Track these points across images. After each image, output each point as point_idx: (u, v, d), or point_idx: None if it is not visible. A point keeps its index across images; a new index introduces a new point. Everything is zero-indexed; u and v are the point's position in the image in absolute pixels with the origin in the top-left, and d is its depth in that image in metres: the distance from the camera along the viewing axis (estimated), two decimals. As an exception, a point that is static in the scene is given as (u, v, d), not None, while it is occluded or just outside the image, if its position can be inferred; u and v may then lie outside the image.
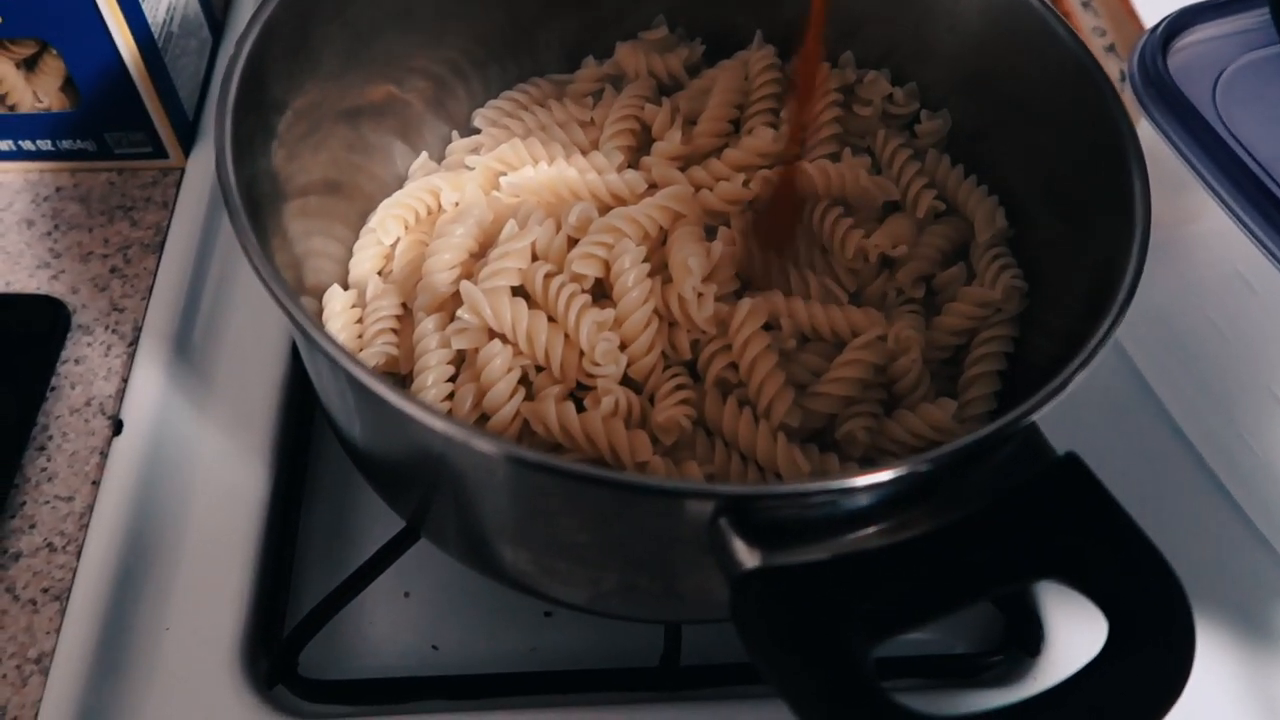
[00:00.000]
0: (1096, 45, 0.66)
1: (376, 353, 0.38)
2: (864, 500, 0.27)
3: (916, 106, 0.47)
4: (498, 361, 0.36)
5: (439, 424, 0.27)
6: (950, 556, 0.27)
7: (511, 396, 0.36)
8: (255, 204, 0.34)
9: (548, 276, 0.39)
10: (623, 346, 0.38)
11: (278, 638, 0.41)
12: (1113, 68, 0.64)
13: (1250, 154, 0.41)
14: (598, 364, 0.36)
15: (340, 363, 0.28)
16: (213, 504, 0.43)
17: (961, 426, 0.38)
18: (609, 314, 0.38)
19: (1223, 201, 0.40)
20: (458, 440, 0.27)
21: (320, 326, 0.29)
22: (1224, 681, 0.42)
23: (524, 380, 0.38)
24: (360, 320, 0.39)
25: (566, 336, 0.38)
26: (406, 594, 0.43)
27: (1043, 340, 0.40)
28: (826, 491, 0.27)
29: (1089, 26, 0.66)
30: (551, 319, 0.38)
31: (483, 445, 0.27)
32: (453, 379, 0.38)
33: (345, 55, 0.41)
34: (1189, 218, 0.46)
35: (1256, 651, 0.43)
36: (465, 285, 0.38)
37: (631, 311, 0.38)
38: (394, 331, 0.39)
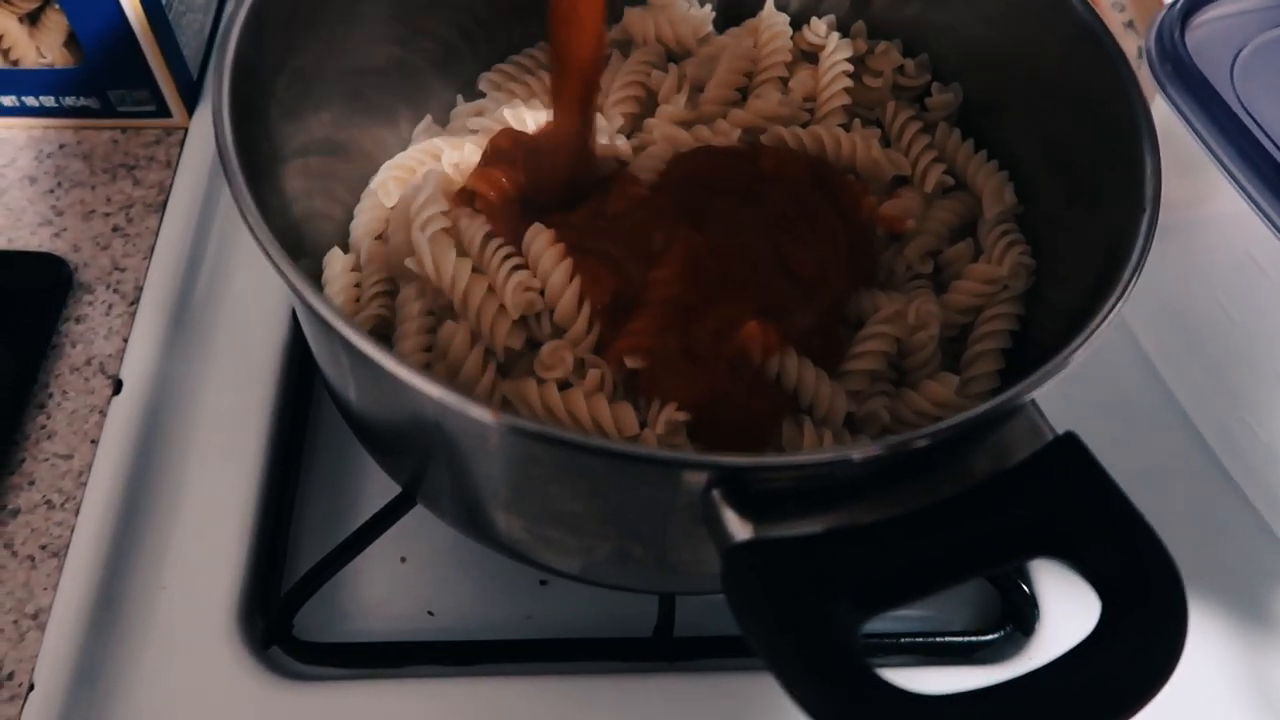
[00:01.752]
0: (1115, 21, 0.64)
1: (370, 316, 0.38)
2: (858, 474, 0.27)
3: (927, 79, 0.46)
4: (458, 339, 0.36)
5: (433, 390, 0.27)
6: (944, 532, 0.26)
7: (484, 372, 0.36)
8: (254, 165, 0.34)
9: (487, 238, 0.38)
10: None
11: (274, 599, 0.41)
12: (1132, 44, 0.63)
13: (1267, 134, 0.40)
14: (549, 366, 0.36)
15: (334, 325, 0.28)
16: (211, 464, 0.43)
17: (964, 403, 0.38)
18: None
19: (1236, 182, 0.40)
20: (451, 407, 0.27)
21: (314, 288, 0.28)
22: (1224, 666, 0.42)
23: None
24: (359, 284, 0.39)
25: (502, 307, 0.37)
26: (403, 559, 0.43)
27: (1049, 318, 0.40)
28: (819, 464, 0.26)
29: (1108, 1, 0.65)
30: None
31: (476, 413, 0.27)
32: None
33: (348, 15, 0.41)
34: (1201, 199, 0.45)
35: (1257, 637, 0.42)
36: (415, 234, 0.37)
37: (549, 271, 0.37)
38: (391, 295, 0.39)
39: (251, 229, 0.30)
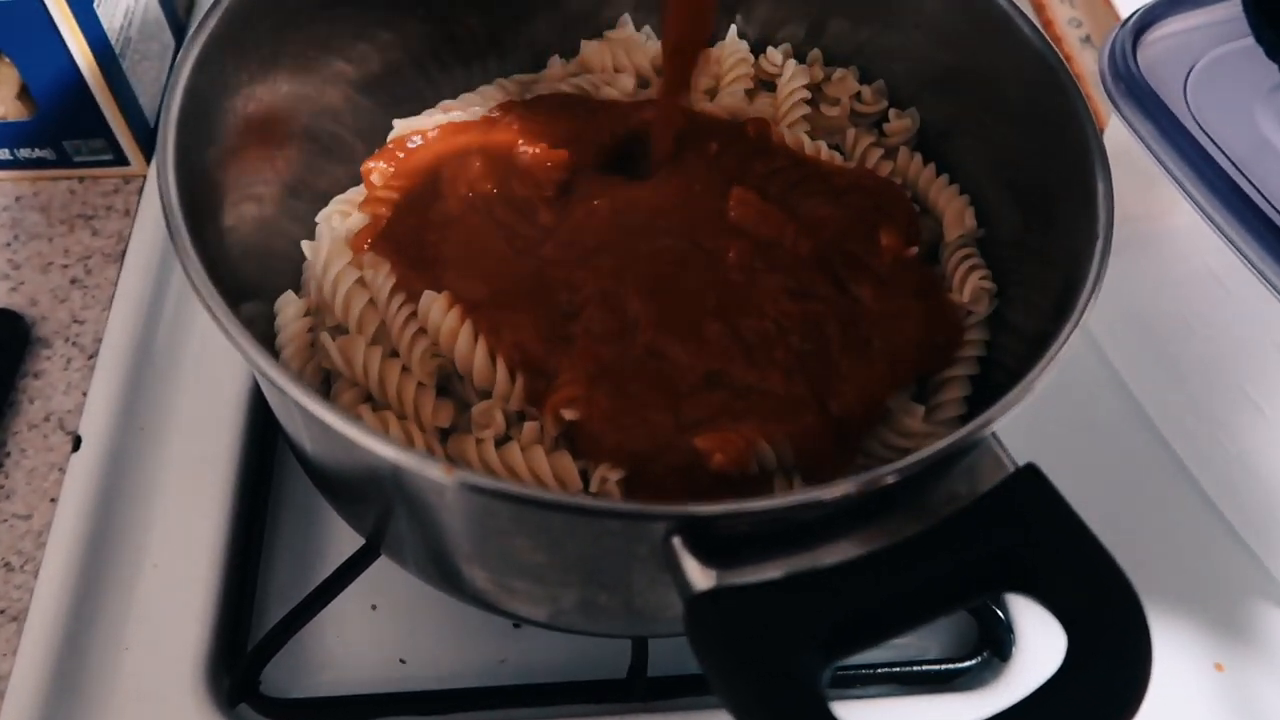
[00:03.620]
0: (1073, 38, 0.65)
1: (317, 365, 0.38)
2: (819, 515, 0.26)
3: (884, 105, 0.46)
4: (392, 427, 0.36)
5: (388, 450, 0.27)
6: (906, 573, 0.26)
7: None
8: (205, 211, 0.34)
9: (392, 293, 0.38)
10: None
11: (241, 655, 0.40)
12: (1090, 61, 0.63)
13: (1220, 149, 0.40)
14: (482, 426, 0.35)
15: (285, 389, 0.27)
16: (174, 519, 0.42)
17: (935, 429, 0.38)
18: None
19: (1191, 198, 0.40)
20: (405, 467, 0.27)
21: (260, 348, 0.28)
22: (1199, 680, 0.41)
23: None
24: (313, 328, 0.39)
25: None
26: (374, 607, 0.42)
27: (1013, 342, 0.39)
28: (778, 509, 0.26)
29: (1065, 18, 0.66)
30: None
31: (431, 471, 0.26)
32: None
33: (302, 59, 0.40)
34: (1162, 213, 0.45)
35: (1234, 651, 0.42)
36: (323, 337, 0.38)
37: (451, 341, 0.37)
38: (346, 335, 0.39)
39: (194, 285, 0.29)
